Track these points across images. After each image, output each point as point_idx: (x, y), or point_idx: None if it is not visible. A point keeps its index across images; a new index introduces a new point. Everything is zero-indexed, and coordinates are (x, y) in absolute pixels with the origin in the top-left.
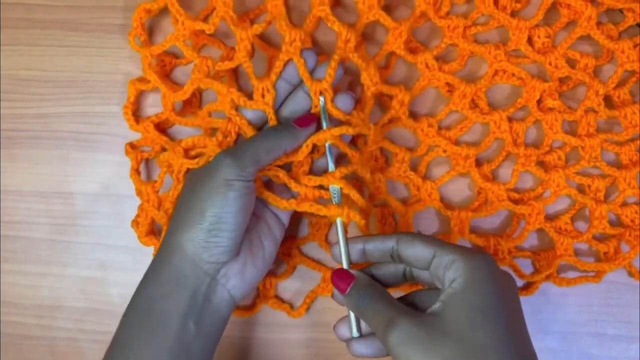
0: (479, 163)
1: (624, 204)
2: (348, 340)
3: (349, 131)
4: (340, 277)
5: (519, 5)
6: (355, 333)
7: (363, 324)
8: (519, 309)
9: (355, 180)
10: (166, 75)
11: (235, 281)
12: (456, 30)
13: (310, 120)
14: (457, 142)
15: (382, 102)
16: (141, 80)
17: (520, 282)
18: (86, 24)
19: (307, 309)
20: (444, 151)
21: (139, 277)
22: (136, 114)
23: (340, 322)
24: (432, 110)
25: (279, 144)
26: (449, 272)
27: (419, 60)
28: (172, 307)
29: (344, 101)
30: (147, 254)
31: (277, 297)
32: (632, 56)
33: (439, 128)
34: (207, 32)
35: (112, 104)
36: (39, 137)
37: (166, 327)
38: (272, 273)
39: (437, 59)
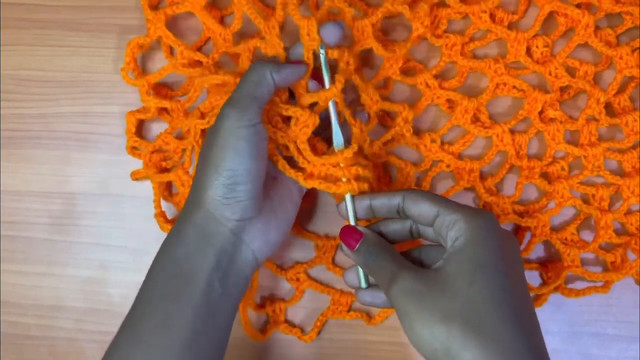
0: (482, 177)
1: (629, 212)
2: (356, 289)
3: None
4: (349, 234)
5: (515, 17)
6: (363, 284)
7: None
8: (519, 268)
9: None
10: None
11: (260, 242)
12: (454, 47)
13: (298, 62)
14: (460, 157)
15: (384, 122)
16: (140, 110)
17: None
18: (86, 24)
19: (318, 332)
20: (448, 166)
21: (139, 277)
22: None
23: (349, 270)
24: (433, 126)
25: (263, 73)
26: (452, 231)
27: (418, 81)
28: (198, 267)
29: (331, 31)
30: (147, 253)
31: (287, 321)
32: (630, 62)
33: (442, 143)
34: (204, 63)
35: (112, 104)
36: (39, 137)
37: (192, 286)
38: (281, 298)
39: (436, 77)
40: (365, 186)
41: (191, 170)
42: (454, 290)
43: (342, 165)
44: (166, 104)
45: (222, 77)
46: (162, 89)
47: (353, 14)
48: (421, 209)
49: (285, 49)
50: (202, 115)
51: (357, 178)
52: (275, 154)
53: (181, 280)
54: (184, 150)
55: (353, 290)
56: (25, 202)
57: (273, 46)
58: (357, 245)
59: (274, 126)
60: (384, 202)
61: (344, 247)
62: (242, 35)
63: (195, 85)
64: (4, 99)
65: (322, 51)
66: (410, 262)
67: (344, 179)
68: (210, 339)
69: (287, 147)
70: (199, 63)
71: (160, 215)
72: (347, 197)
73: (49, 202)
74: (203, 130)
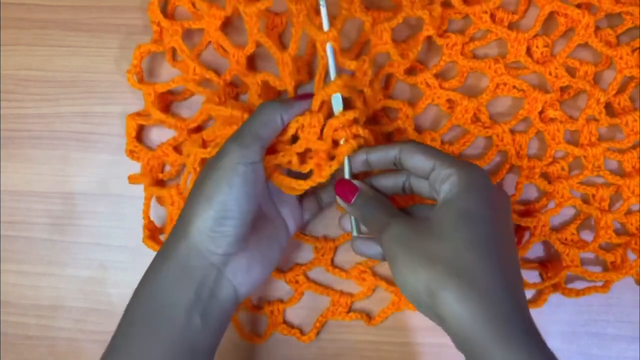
0: None
1: (629, 212)
2: (353, 239)
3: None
4: (345, 188)
5: (515, 17)
6: (354, 232)
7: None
8: (507, 221)
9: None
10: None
11: (242, 278)
12: (455, 47)
13: (307, 95)
14: (460, 157)
15: (383, 123)
16: (140, 115)
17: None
18: (86, 24)
19: (318, 333)
20: None
21: (139, 277)
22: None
23: (343, 217)
24: (434, 126)
25: (273, 115)
26: (445, 185)
27: (418, 80)
28: (178, 299)
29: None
30: (147, 254)
31: (286, 322)
32: (630, 62)
33: (442, 143)
34: (216, 83)
35: (112, 104)
36: (39, 137)
37: (171, 320)
38: (279, 300)
39: (436, 76)
40: (362, 141)
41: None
42: (441, 236)
43: (337, 113)
44: (171, 121)
45: (229, 110)
46: (164, 94)
47: (370, 21)
48: (417, 161)
49: (295, 88)
50: (204, 144)
51: (356, 137)
52: (276, 174)
53: (160, 315)
54: (182, 165)
55: (353, 291)
56: (25, 202)
57: (284, 83)
58: (354, 199)
59: (278, 151)
60: (381, 156)
61: (340, 200)
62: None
63: (202, 110)
64: (4, 99)
65: (322, 3)
66: (401, 212)
67: (342, 141)
68: None
69: (289, 162)
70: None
71: (148, 229)
72: (345, 159)
73: (49, 202)
74: (203, 159)
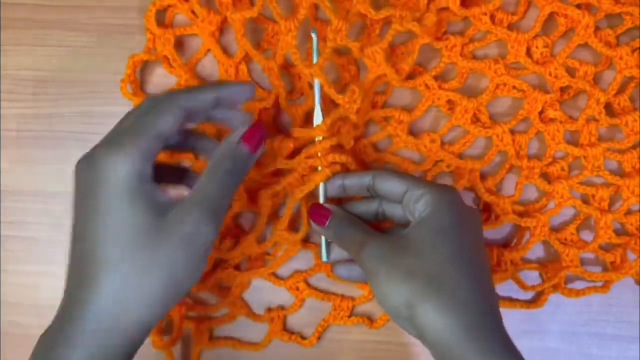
0: (482, 177)
1: (628, 212)
2: (333, 268)
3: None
4: (317, 212)
5: (515, 18)
6: (324, 258)
7: (338, 251)
8: (479, 237)
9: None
10: None
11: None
12: (454, 49)
13: (257, 134)
14: (460, 157)
15: (381, 127)
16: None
17: (526, 295)
18: (86, 24)
19: (319, 337)
20: (448, 166)
21: None
22: None
23: (336, 267)
24: (433, 128)
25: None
26: (419, 204)
27: (417, 82)
28: None
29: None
30: None
31: (286, 329)
32: (630, 62)
33: (442, 144)
34: None
35: (112, 104)
36: (39, 137)
37: None
38: (280, 306)
39: (436, 78)
40: (338, 167)
41: None
42: (418, 252)
43: (318, 139)
44: None
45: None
46: None
47: (358, 47)
48: (390, 186)
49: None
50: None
51: (332, 164)
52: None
53: None
54: None
55: (354, 295)
56: (25, 202)
57: (267, 92)
58: (327, 222)
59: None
60: (356, 182)
61: (314, 225)
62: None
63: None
64: (4, 99)
65: (313, 35)
66: (376, 231)
67: (319, 168)
68: None
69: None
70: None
71: None
72: (320, 185)
73: (49, 202)
74: None
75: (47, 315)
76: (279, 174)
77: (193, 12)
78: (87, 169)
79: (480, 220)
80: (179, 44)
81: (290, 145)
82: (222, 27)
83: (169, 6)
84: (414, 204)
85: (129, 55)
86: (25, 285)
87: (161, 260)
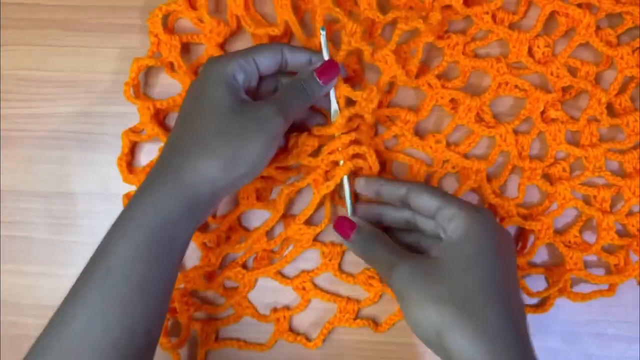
0: (487, 178)
1: (630, 213)
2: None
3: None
4: (343, 224)
5: (516, 17)
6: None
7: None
8: (512, 262)
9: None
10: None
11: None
12: (456, 47)
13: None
14: (465, 157)
15: (386, 126)
16: (135, 131)
17: (531, 300)
18: (86, 24)
19: (324, 339)
20: (453, 167)
21: None
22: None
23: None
24: (437, 128)
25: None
26: (451, 224)
27: (420, 82)
28: (180, 235)
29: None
30: None
31: (292, 329)
32: (631, 62)
33: (448, 145)
34: None
35: (112, 104)
36: (39, 137)
37: (172, 253)
38: (286, 307)
39: (439, 77)
40: (360, 162)
41: None
42: (449, 278)
43: (337, 135)
44: (165, 137)
45: None
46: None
47: (371, 51)
48: (423, 201)
49: None
50: None
51: (354, 157)
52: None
53: (161, 246)
54: None
55: (359, 297)
56: (25, 202)
57: None
58: (352, 235)
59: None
60: (390, 190)
61: (340, 237)
62: None
63: None
64: (4, 99)
65: (322, 32)
66: (406, 249)
67: (340, 162)
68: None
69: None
70: None
71: (125, 162)
72: (344, 179)
73: (49, 202)
74: None
75: (47, 316)
76: (288, 171)
77: (200, 19)
78: (202, 70)
79: (512, 243)
80: (183, 49)
81: (314, 142)
82: (230, 38)
83: (174, 10)
84: (448, 222)
85: (128, 55)
86: (25, 285)
87: (240, 134)
